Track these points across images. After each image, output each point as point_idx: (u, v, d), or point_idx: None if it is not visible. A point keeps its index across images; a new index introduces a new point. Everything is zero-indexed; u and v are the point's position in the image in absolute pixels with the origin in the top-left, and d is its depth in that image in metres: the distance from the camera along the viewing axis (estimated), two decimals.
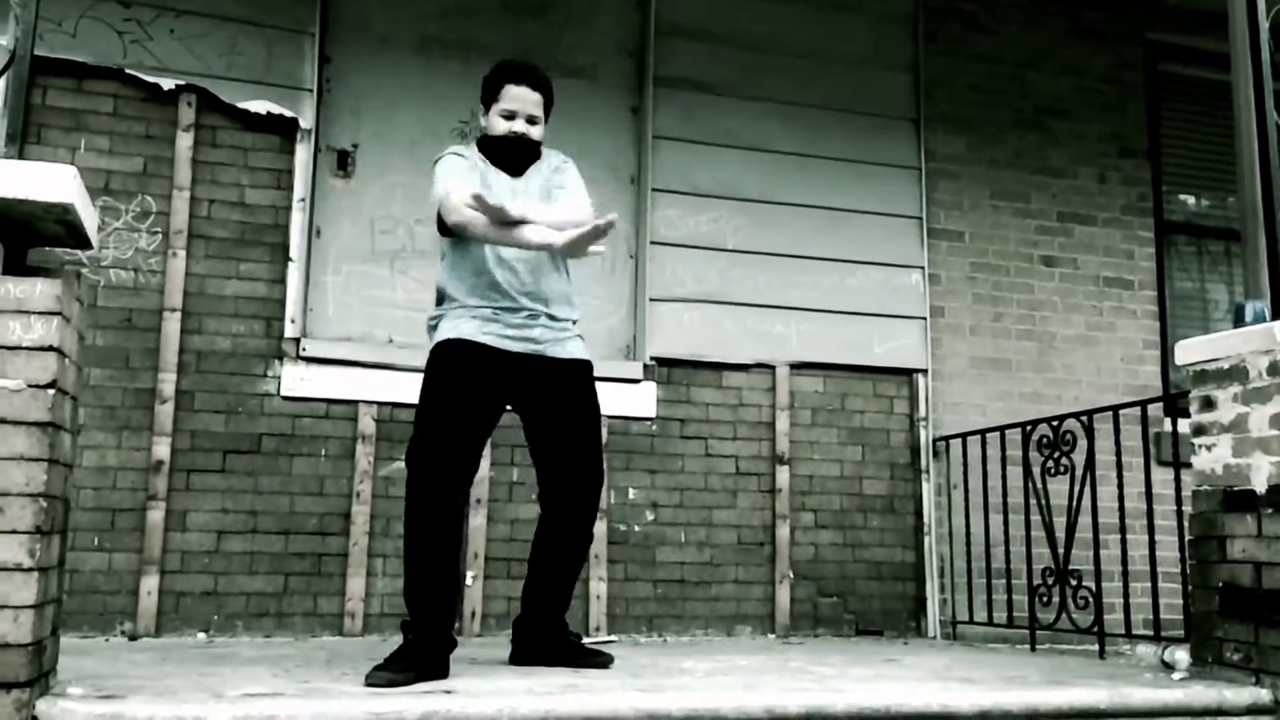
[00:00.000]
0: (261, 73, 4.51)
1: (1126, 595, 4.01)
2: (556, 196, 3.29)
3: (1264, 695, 2.91)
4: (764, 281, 5.02)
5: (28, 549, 2.23)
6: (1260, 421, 3.07)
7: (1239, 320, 3.24)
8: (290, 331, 4.42)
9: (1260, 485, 3.04)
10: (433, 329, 3.27)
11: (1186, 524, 3.38)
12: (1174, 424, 3.81)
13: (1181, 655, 3.37)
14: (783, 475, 4.92)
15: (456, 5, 4.90)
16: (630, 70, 5.11)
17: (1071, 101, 5.67)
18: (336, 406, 4.43)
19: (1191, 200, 6.02)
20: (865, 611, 4.94)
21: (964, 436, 4.96)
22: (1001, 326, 5.38)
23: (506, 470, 4.52)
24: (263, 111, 4.48)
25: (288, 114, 4.51)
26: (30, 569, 2.23)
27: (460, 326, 3.17)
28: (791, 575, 4.86)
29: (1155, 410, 4.29)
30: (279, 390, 4.38)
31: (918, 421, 5.13)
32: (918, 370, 5.17)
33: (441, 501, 3.04)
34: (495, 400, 3.21)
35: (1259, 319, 3.19)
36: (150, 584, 4.10)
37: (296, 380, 4.39)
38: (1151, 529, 3.89)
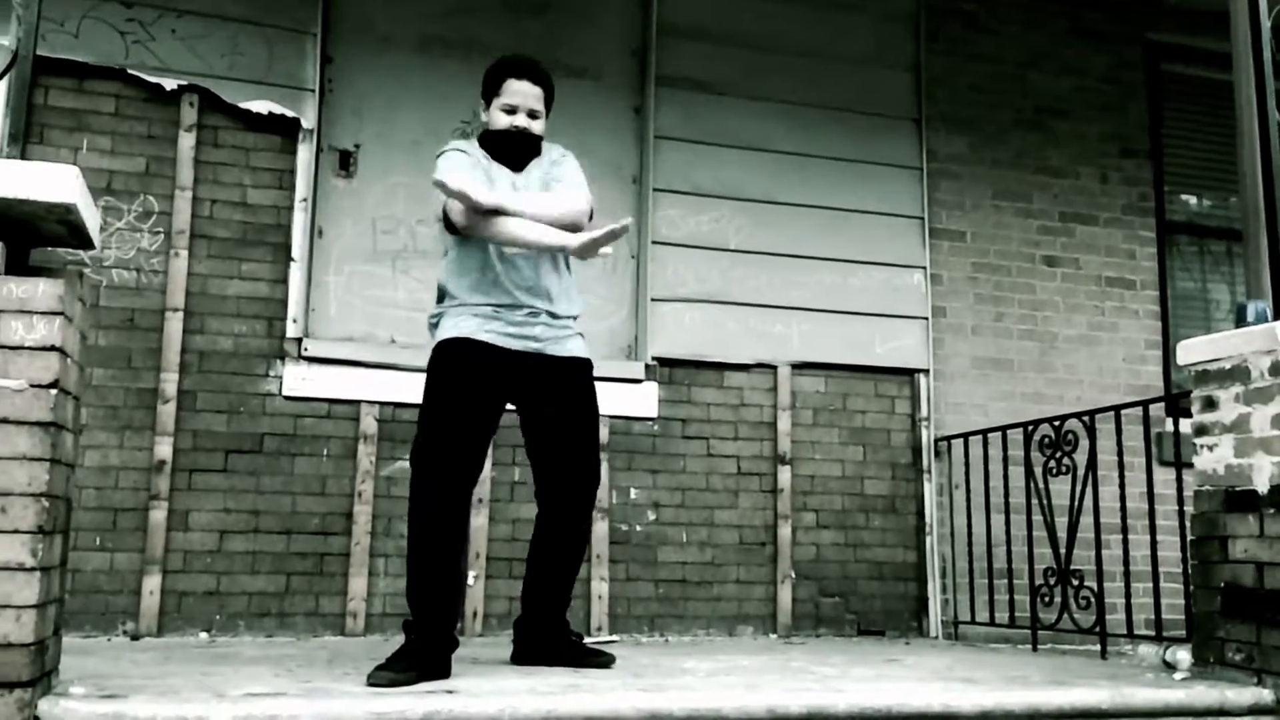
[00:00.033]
0: (263, 73, 4.51)
1: (1128, 595, 4.00)
2: (554, 189, 3.29)
3: (1266, 695, 2.91)
4: (766, 281, 5.02)
5: (30, 548, 2.23)
6: (1262, 421, 3.07)
7: (1241, 320, 3.24)
8: (292, 331, 4.43)
9: (1262, 485, 3.04)
10: (434, 326, 3.28)
11: (1188, 524, 3.38)
12: (1176, 424, 3.81)
13: (1183, 655, 3.37)
14: (784, 475, 4.92)
15: (458, 5, 4.90)
16: (632, 70, 5.11)
17: (1073, 101, 5.67)
18: (338, 406, 4.43)
19: (1193, 200, 6.02)
20: (867, 611, 4.94)
21: (966, 436, 4.96)
22: (1003, 326, 5.38)
23: (508, 470, 4.52)
24: (264, 112, 4.49)
25: (289, 114, 4.51)
26: (32, 568, 2.23)
27: (461, 325, 3.17)
28: (793, 575, 4.86)
29: (1157, 410, 4.29)
30: (281, 390, 4.38)
31: (919, 421, 5.13)
32: (919, 370, 5.17)
33: (446, 502, 3.04)
34: (497, 399, 3.21)
35: (1261, 319, 3.18)
36: (152, 584, 4.11)
37: (298, 380, 4.40)
38: (1153, 529, 3.89)
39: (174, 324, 4.29)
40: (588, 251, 3.14)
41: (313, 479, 4.36)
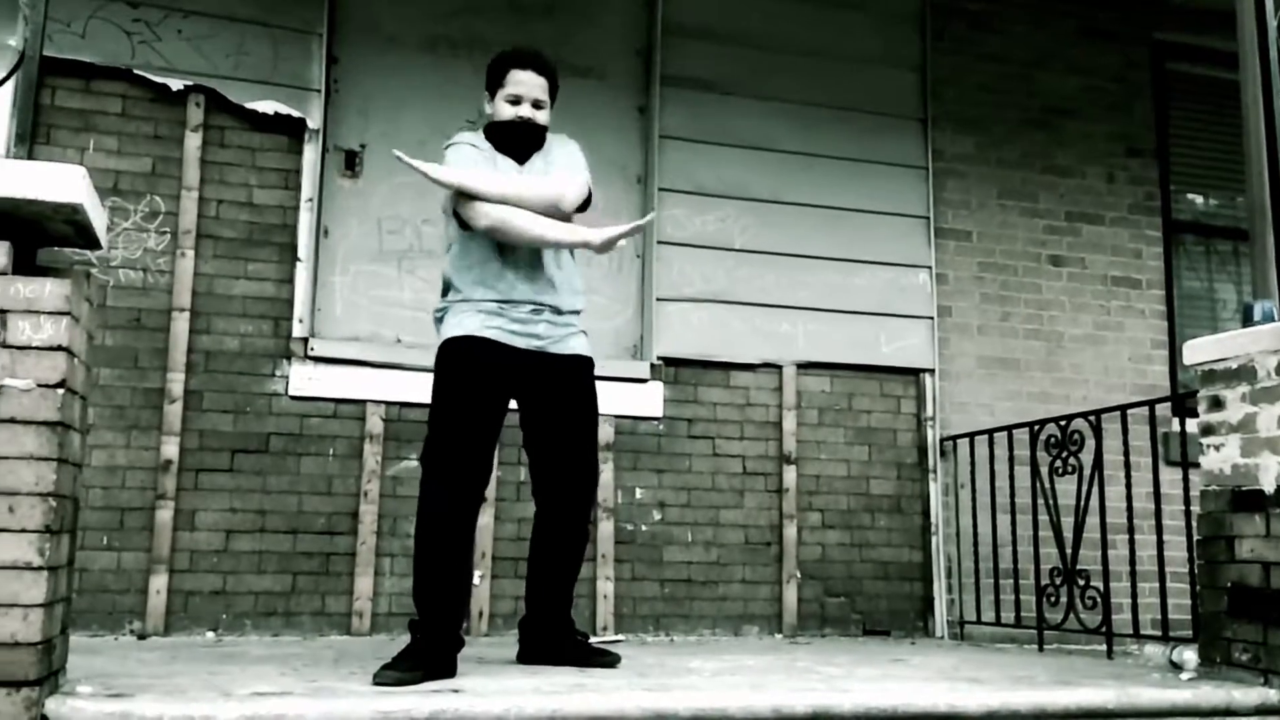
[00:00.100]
0: (269, 73, 4.52)
1: (1134, 595, 3.99)
2: (551, 174, 3.28)
3: (1272, 695, 2.90)
4: (771, 281, 5.02)
5: (37, 548, 2.24)
6: (1269, 421, 3.06)
7: (1247, 320, 3.24)
8: (298, 331, 4.43)
9: (1269, 485, 3.03)
10: (438, 321, 3.27)
11: (1194, 524, 3.38)
12: (1182, 424, 3.81)
13: (1189, 655, 3.36)
14: (790, 475, 4.91)
15: (464, 4, 4.91)
16: (637, 70, 5.11)
17: (1079, 101, 5.66)
18: (344, 406, 4.44)
19: (1199, 199, 6.00)
20: (872, 611, 4.94)
21: (971, 436, 4.95)
22: (1009, 326, 5.37)
23: (514, 470, 4.52)
24: (270, 112, 4.49)
25: (295, 114, 4.52)
26: (40, 568, 2.23)
27: (465, 322, 3.17)
28: (798, 575, 4.86)
29: (1163, 410, 4.28)
30: (287, 390, 4.39)
31: (925, 421, 5.13)
32: (925, 370, 5.16)
33: (455, 502, 3.05)
34: (502, 397, 3.21)
35: (1267, 318, 3.18)
36: (159, 583, 4.12)
37: (304, 380, 4.40)
38: (1159, 529, 3.88)
39: (180, 324, 4.30)
40: (608, 248, 3.23)
41: (319, 479, 4.37)
